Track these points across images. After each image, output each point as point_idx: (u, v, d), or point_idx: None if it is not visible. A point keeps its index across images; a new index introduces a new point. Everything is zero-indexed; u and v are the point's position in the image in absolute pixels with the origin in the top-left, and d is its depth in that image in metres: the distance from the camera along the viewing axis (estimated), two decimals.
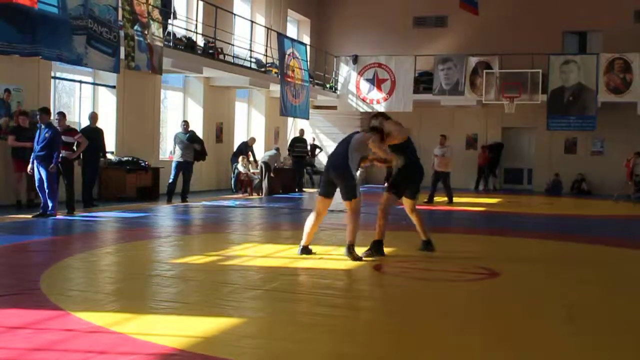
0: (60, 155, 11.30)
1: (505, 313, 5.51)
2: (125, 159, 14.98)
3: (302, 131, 21.35)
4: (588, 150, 23.52)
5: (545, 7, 23.35)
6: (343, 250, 7.69)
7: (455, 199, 16.79)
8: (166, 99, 18.38)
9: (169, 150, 17.60)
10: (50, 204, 10.92)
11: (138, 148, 15.60)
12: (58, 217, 10.97)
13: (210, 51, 17.47)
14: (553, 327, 4.99)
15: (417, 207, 8.18)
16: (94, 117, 13.41)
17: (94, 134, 13.00)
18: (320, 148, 22.84)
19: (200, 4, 17.53)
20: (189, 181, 15.05)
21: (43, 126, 10.88)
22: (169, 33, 15.65)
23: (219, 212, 13.18)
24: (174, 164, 14.72)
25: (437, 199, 16.68)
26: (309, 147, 21.77)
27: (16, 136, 11.87)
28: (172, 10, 15.92)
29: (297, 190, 19.68)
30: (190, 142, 14.87)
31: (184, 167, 14.75)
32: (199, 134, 18.30)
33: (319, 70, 23.84)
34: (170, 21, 15.79)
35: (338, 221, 12.00)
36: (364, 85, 23.35)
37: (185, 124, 15.18)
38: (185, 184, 14.89)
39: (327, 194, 7.70)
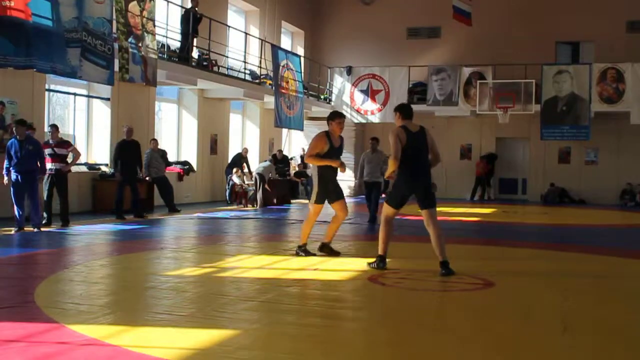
0: (54, 167, 11.31)
1: (501, 323, 5.51)
2: None
3: (280, 152, 21.25)
4: (582, 160, 23.59)
5: (538, 18, 23.49)
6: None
7: (450, 209, 16.72)
8: (160, 111, 18.39)
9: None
10: (38, 216, 10.83)
11: None
12: (52, 229, 10.93)
13: (205, 63, 17.51)
14: (549, 337, 4.99)
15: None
16: (129, 131, 13.67)
17: (130, 147, 13.45)
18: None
19: None
20: (172, 192, 15.47)
21: (21, 139, 10.65)
22: (162, 45, 15.68)
23: (213, 224, 13.17)
24: (152, 181, 15.07)
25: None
26: (297, 161, 21.92)
27: None
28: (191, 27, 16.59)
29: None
30: (163, 159, 15.55)
31: (163, 182, 15.22)
32: (194, 146, 18.56)
33: (313, 81, 23.87)
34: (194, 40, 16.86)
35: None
36: (358, 96, 23.38)
37: (155, 141, 15.43)
38: (170, 195, 15.28)
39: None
